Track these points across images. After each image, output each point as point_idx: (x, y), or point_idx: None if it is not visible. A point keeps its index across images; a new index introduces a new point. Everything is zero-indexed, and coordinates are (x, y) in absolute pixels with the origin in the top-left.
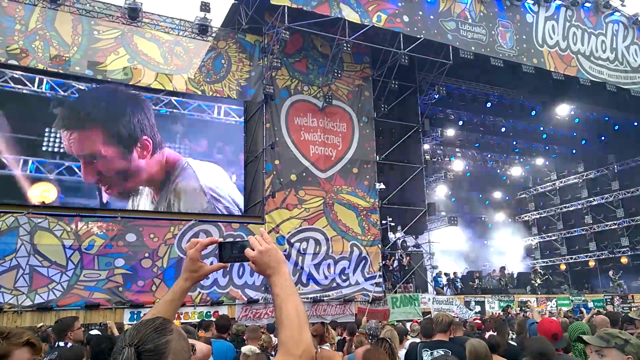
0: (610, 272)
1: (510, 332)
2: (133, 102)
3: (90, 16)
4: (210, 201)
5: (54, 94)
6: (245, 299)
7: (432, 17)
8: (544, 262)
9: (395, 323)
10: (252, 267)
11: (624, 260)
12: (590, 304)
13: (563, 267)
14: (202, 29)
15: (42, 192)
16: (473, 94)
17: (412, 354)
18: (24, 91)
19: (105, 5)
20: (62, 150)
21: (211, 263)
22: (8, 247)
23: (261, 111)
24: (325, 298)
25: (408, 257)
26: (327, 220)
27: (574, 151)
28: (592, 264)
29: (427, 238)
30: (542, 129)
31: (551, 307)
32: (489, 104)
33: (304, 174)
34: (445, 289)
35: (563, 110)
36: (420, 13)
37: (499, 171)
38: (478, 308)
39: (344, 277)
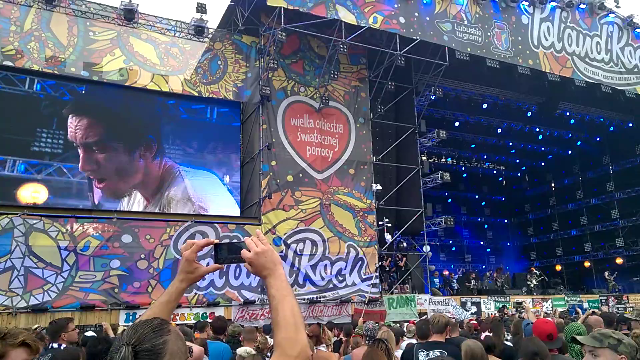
0: (606, 273)
1: (506, 332)
2: (151, 104)
3: (85, 17)
4: (197, 211)
5: (45, 94)
6: (242, 300)
7: (428, 18)
8: (539, 262)
9: (392, 324)
10: (248, 269)
11: (619, 261)
12: (586, 305)
13: (559, 267)
14: (198, 30)
15: (32, 193)
16: (469, 95)
17: (409, 355)
18: (15, 92)
19: (101, 6)
20: (52, 151)
21: (207, 264)
22: (3, 248)
23: (258, 112)
24: (321, 299)
25: (404, 258)
26: (324, 221)
27: (569, 152)
28: (587, 264)
29: (424, 239)
30: (537, 130)
31: (547, 307)
32: (485, 105)
33: (301, 175)
34: (441, 289)
35: (558, 111)
36: (416, 14)
37: (495, 172)
38: (474, 309)
39: (340, 278)
